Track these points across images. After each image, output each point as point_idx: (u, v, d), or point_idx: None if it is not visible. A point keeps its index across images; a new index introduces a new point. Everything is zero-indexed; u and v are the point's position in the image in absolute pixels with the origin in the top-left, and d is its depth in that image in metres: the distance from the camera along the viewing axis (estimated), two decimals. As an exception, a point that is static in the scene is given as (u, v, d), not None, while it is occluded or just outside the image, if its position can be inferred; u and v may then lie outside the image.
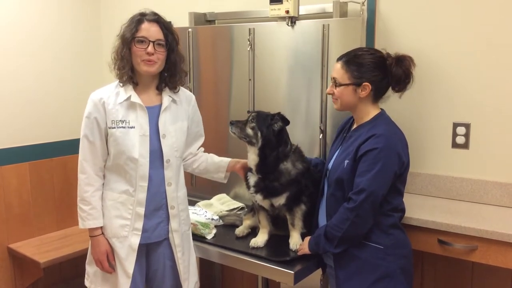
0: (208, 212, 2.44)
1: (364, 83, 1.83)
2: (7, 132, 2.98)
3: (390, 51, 1.91)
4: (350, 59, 1.86)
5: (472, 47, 2.23)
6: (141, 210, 1.96)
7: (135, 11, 1.97)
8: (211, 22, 2.89)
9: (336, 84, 1.89)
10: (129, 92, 1.94)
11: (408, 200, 2.04)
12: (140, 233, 1.97)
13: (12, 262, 3.01)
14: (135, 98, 1.94)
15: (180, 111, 2.05)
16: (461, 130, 2.29)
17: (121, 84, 1.96)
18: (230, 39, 2.66)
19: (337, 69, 1.89)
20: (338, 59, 1.90)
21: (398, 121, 1.92)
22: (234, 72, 2.68)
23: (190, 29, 2.77)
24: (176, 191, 2.03)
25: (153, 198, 1.98)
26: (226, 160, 2.24)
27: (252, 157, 2.09)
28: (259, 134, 2.06)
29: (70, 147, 3.24)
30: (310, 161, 2.23)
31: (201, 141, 2.24)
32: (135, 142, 1.92)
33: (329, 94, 1.95)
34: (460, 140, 2.29)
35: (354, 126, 1.96)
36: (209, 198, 2.64)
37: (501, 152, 2.22)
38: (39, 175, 3.11)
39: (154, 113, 1.97)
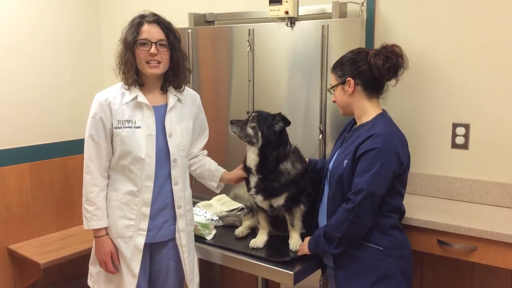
0: (208, 212, 2.44)
1: (347, 79, 1.87)
2: (7, 133, 2.98)
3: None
4: (336, 63, 1.95)
5: (472, 47, 2.23)
6: (147, 210, 1.96)
7: (134, 12, 1.97)
8: (210, 22, 2.89)
9: (329, 90, 1.98)
10: (135, 92, 1.95)
11: (408, 200, 2.04)
12: (145, 233, 1.97)
13: (12, 263, 3.01)
14: (141, 98, 1.95)
15: (186, 111, 2.06)
16: (460, 130, 2.29)
17: (127, 87, 1.96)
18: (229, 39, 2.67)
19: (330, 77, 1.97)
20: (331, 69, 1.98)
21: (397, 121, 1.92)
22: (233, 73, 2.68)
23: (189, 30, 2.77)
24: (183, 191, 2.04)
25: (158, 198, 1.98)
26: (221, 170, 2.23)
27: (252, 157, 2.09)
28: (259, 134, 2.06)
29: (70, 147, 3.25)
30: (316, 163, 2.23)
31: (204, 141, 2.23)
32: (141, 142, 1.92)
33: (334, 102, 2.00)
34: (459, 140, 2.29)
35: (355, 126, 1.96)
36: (209, 199, 2.65)
37: (500, 153, 2.22)
38: (39, 176, 3.12)
39: (160, 113, 1.98)
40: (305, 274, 2.00)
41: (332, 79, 1.95)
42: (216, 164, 2.25)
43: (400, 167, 1.80)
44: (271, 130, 2.06)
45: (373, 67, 1.85)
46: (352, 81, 1.87)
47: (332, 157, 1.99)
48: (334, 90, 1.95)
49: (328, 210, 1.93)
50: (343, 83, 1.89)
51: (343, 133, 2.06)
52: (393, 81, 1.91)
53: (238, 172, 2.20)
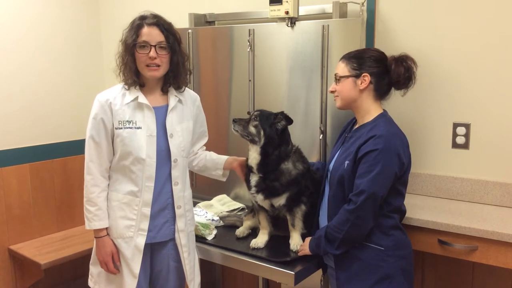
0: (209, 213, 2.44)
1: (363, 74, 1.85)
2: (7, 134, 2.98)
3: (390, 52, 1.92)
4: (352, 55, 1.91)
5: (472, 47, 2.23)
6: (147, 211, 1.96)
7: (134, 12, 1.97)
8: (211, 23, 2.89)
9: (337, 79, 1.92)
10: (135, 93, 1.95)
11: (409, 200, 2.04)
12: (145, 233, 1.98)
13: (13, 263, 3.01)
14: (142, 98, 1.95)
15: (186, 111, 2.07)
16: (461, 130, 2.29)
17: (127, 87, 1.96)
18: (230, 40, 2.67)
19: (339, 66, 1.93)
20: (342, 58, 1.94)
21: (398, 122, 1.93)
22: (234, 73, 2.68)
23: (190, 30, 2.77)
24: (183, 191, 2.04)
25: (158, 198, 1.99)
26: (223, 157, 2.24)
27: (253, 156, 2.09)
28: (262, 132, 2.06)
29: (70, 148, 3.25)
30: (313, 165, 2.24)
31: (204, 140, 2.25)
32: (142, 143, 1.92)
33: (332, 92, 1.97)
34: (460, 140, 2.30)
35: (356, 126, 1.96)
36: (209, 199, 2.65)
37: (501, 152, 2.22)
38: (39, 177, 3.12)
39: (160, 113, 1.98)
40: (306, 274, 2.00)
41: (341, 69, 1.90)
42: (216, 154, 2.26)
43: (401, 167, 1.80)
44: (273, 129, 2.07)
45: (394, 73, 1.85)
46: (368, 78, 1.85)
47: (332, 158, 1.99)
48: (341, 79, 1.91)
49: (328, 210, 1.93)
50: (357, 76, 1.87)
51: (343, 133, 2.06)
52: (400, 91, 1.92)
53: (243, 158, 2.20)
